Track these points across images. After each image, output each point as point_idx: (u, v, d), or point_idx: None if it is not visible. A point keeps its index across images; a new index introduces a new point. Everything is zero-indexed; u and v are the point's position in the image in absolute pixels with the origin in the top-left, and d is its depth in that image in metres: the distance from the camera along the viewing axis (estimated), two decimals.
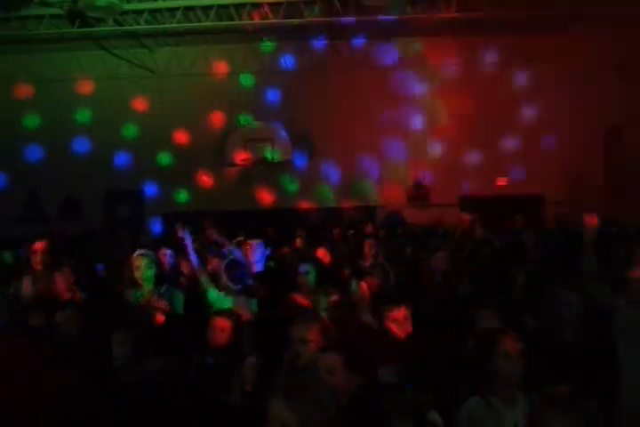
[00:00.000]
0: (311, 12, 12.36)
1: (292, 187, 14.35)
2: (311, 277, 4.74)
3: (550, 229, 9.95)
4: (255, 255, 5.57)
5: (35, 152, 15.11)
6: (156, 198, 14.84)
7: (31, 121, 15.26)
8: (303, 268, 4.76)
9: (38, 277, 4.61)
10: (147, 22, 12.86)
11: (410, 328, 3.51)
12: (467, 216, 8.77)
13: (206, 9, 12.75)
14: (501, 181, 13.82)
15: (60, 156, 14.84)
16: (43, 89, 15.23)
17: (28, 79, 15.28)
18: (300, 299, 4.54)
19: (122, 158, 14.81)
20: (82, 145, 15.08)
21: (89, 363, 3.24)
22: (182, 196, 14.68)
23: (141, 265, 4.51)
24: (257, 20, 12.74)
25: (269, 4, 12.25)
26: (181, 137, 14.80)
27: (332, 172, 14.29)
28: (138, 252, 4.64)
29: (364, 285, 4.55)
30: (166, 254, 5.05)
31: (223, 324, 3.62)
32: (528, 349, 2.75)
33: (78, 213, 14.68)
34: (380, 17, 12.46)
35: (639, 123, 10.28)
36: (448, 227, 10.22)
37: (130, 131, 14.98)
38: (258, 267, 5.52)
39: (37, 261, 4.72)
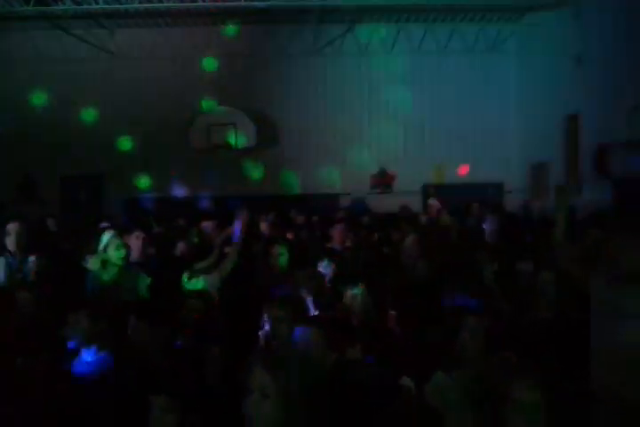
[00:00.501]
0: None
1: (256, 173, 14.25)
2: (283, 259, 4.77)
3: (511, 215, 10.16)
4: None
5: None
6: (116, 183, 14.53)
7: None
8: (276, 249, 4.77)
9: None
10: (106, 2, 12.54)
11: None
12: (434, 203, 8.94)
13: None
14: (463, 169, 14.02)
15: (17, 138, 14.37)
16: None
17: None
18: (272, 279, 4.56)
19: (80, 142, 14.40)
20: (38, 127, 14.62)
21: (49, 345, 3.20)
22: (143, 181, 14.41)
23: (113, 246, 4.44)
24: (220, 2, 12.56)
25: None
26: (143, 121, 14.49)
27: (296, 158, 14.24)
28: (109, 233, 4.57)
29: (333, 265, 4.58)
30: (139, 237, 4.97)
31: (196, 305, 3.59)
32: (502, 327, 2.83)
33: (35, 198, 14.30)
34: (344, 2, 12.48)
35: (594, 111, 10.53)
36: (412, 213, 10.32)
37: (88, 114, 14.58)
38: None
39: (12, 243, 4.65)
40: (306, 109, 14.26)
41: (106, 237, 4.58)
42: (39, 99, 14.68)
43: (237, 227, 4.77)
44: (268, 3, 12.37)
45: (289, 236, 6.28)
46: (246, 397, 2.00)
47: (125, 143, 14.35)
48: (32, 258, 4.64)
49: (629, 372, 2.67)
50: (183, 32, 14.86)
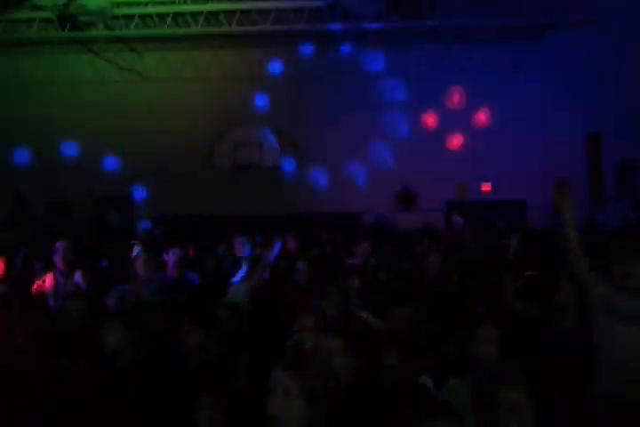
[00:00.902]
0: (299, 19, 12.61)
1: (280, 192, 14.48)
2: (306, 275, 4.96)
3: (535, 232, 10.16)
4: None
5: (23, 155, 15.10)
6: (145, 202, 14.88)
7: (20, 124, 15.21)
8: (301, 266, 4.96)
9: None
10: (137, 27, 13.01)
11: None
12: (458, 219, 8.99)
13: (195, 15, 12.97)
14: (486, 187, 14.10)
15: (49, 159, 14.85)
16: (31, 92, 15.26)
17: (17, 82, 15.31)
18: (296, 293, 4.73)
19: (110, 162, 14.83)
20: (70, 148, 15.10)
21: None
22: (171, 200, 14.71)
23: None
24: (246, 27, 12.91)
25: (258, 11, 12.47)
26: (170, 141, 14.88)
27: (320, 178, 14.46)
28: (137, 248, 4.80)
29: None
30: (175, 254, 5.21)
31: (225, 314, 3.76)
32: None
33: (68, 217, 14.70)
34: (367, 25, 12.75)
35: (616, 128, 10.60)
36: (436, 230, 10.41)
37: (118, 135, 15.00)
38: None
39: (60, 260, 4.94)
40: (329, 129, 14.48)
41: (135, 250, 4.82)
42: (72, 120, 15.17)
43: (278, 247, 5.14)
44: (292, 27, 12.71)
45: (314, 252, 6.46)
46: (270, 397, 2.08)
47: (153, 163, 14.68)
48: (78, 273, 4.96)
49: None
50: (209, 55, 15.29)
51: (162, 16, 13.00)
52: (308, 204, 14.25)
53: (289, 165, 14.55)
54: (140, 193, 15.05)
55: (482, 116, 14.31)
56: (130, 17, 12.87)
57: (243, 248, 6.13)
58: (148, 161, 14.65)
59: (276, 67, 15.08)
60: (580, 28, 12.02)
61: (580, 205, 11.41)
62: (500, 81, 14.19)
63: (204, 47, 15.18)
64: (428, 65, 14.52)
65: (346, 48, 14.65)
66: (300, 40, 14.49)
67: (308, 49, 14.81)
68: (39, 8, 12.43)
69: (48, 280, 4.79)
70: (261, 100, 14.97)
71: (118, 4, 12.44)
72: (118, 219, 14.86)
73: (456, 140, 14.33)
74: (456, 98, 14.49)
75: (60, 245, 4.94)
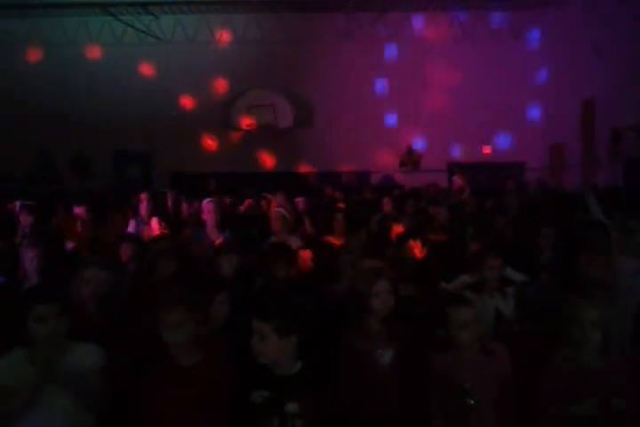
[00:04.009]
0: None
1: (292, 152, 15.35)
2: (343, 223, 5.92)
3: (533, 192, 11.05)
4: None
5: (44, 114, 15.78)
6: (163, 159, 15.72)
7: (41, 83, 15.84)
8: (339, 216, 5.92)
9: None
10: None
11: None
12: (459, 180, 9.89)
13: None
14: (487, 149, 15.01)
15: (70, 116, 15.55)
16: (53, 52, 15.88)
17: (38, 42, 15.90)
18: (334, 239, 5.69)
19: (129, 119, 15.53)
20: (90, 105, 15.75)
21: None
22: (188, 157, 15.53)
23: (212, 209, 5.60)
24: None
25: None
26: (187, 101, 15.63)
27: (330, 138, 15.27)
28: (207, 198, 5.74)
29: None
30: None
31: None
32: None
33: (89, 172, 15.56)
34: None
35: (610, 96, 11.42)
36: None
37: (135, 94, 15.68)
38: None
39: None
40: (339, 92, 15.24)
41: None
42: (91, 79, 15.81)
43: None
44: None
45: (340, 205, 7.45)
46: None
47: (171, 121, 15.46)
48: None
49: None
50: (223, 18, 15.86)
51: None
52: (319, 163, 15.16)
53: (300, 125, 15.33)
54: (157, 150, 15.83)
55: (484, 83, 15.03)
56: None
57: None
58: (164, 120, 15.42)
59: (287, 32, 15.66)
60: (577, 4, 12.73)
61: (575, 167, 12.45)
62: (502, 49, 14.91)
63: (218, 11, 15.74)
64: (432, 32, 15.23)
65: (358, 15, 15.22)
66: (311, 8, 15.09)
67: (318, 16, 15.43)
68: None
69: (131, 226, 5.70)
70: (274, 63, 15.59)
71: None
72: (137, 174, 15.76)
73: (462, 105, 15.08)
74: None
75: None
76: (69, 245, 5.24)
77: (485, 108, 14.68)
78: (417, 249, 4.43)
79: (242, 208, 7.92)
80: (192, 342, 2.66)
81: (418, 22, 15.34)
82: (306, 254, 4.60)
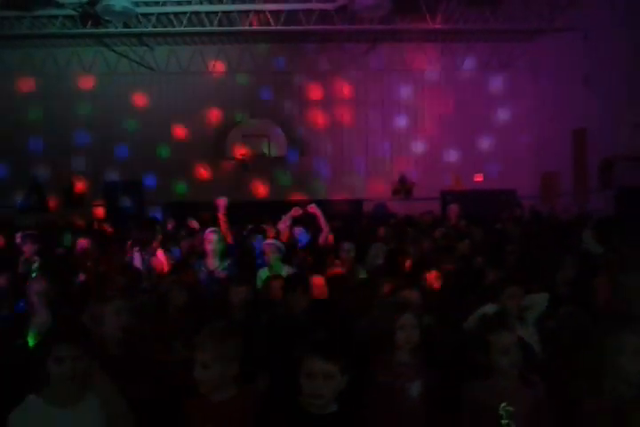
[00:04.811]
0: (309, 19, 13.43)
1: (286, 180, 15.42)
2: (352, 254, 5.91)
3: (526, 220, 11.13)
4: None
5: (37, 144, 15.74)
6: (155, 190, 15.69)
7: (33, 114, 15.86)
8: (347, 245, 5.91)
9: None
10: (155, 24, 13.72)
11: None
12: (455, 208, 9.89)
13: (210, 13, 13.70)
14: (479, 177, 15.19)
15: (62, 147, 15.54)
16: (45, 83, 15.93)
17: (31, 73, 15.97)
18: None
19: (122, 151, 15.56)
20: (82, 137, 15.79)
21: None
22: (180, 187, 15.56)
23: (214, 239, 5.57)
24: (258, 27, 13.69)
25: (272, 11, 13.25)
26: (180, 131, 15.70)
27: (323, 167, 15.39)
28: (210, 228, 5.71)
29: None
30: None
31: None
32: None
33: (80, 203, 15.47)
34: (372, 26, 13.61)
35: (601, 126, 11.65)
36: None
37: (130, 125, 15.75)
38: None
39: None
40: (331, 122, 15.43)
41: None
42: (84, 110, 15.88)
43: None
44: (297, 27, 13.52)
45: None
46: None
47: (164, 152, 15.51)
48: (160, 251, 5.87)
49: None
50: (217, 49, 16.06)
51: (178, 14, 13.76)
52: (311, 191, 15.22)
53: (293, 155, 15.43)
54: (149, 180, 15.81)
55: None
56: (148, 15, 13.59)
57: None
58: (157, 150, 15.47)
59: (280, 62, 15.89)
60: (566, 32, 13.06)
61: (566, 195, 12.63)
62: (493, 79, 15.23)
63: (212, 42, 15.95)
64: (423, 62, 15.55)
65: (349, 46, 15.49)
66: (304, 39, 15.34)
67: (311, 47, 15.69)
68: (61, 5, 13.07)
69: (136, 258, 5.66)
70: (267, 94, 15.78)
71: (138, 4, 13.13)
72: (129, 204, 15.69)
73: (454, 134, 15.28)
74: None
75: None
76: (80, 277, 5.17)
77: (476, 136, 14.91)
78: (433, 279, 4.44)
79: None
80: (224, 379, 2.61)
81: (409, 53, 15.59)
82: (319, 281, 4.57)
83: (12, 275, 4.93)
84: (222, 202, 5.96)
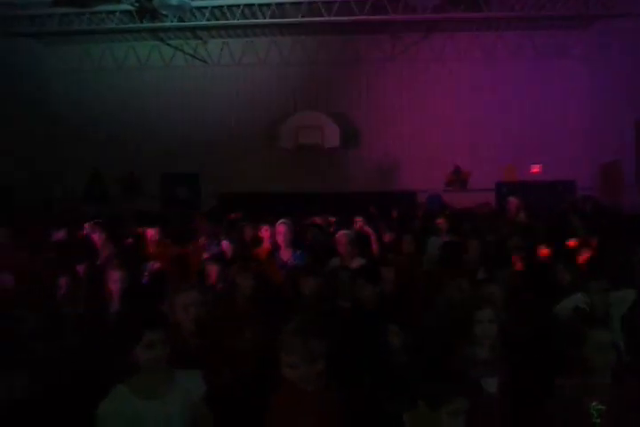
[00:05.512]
0: (362, 9, 13.37)
1: (339, 172, 15.42)
2: (412, 247, 5.95)
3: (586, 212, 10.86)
4: None
5: (97, 136, 16.14)
6: (210, 180, 15.94)
7: (92, 107, 16.27)
8: (407, 237, 5.97)
9: None
10: (209, 18, 13.90)
11: None
12: (514, 200, 9.71)
13: (262, 6, 13.79)
14: (535, 168, 14.86)
15: (120, 139, 15.93)
16: (103, 78, 16.36)
17: (89, 69, 16.42)
18: None
19: (178, 142, 15.81)
20: (139, 129, 16.08)
21: None
22: (235, 178, 15.69)
23: (285, 231, 5.67)
24: (310, 18, 13.69)
25: (324, 2, 13.24)
26: (234, 123, 15.85)
27: (376, 158, 15.32)
28: (281, 220, 5.81)
29: None
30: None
31: None
32: None
33: (139, 193, 15.88)
34: (426, 15, 13.44)
35: None
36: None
37: (185, 117, 16.00)
38: None
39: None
40: (386, 112, 15.33)
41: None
42: (140, 103, 16.23)
43: None
44: (350, 17, 13.48)
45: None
46: None
47: (219, 143, 15.69)
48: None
49: None
50: (268, 41, 16.16)
51: (231, 7, 13.90)
52: (365, 182, 15.20)
53: (347, 146, 15.42)
54: (205, 171, 16.06)
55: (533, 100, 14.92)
56: (202, 8, 13.78)
57: None
58: (212, 141, 15.69)
59: (332, 53, 15.85)
60: (626, 18, 12.63)
61: (630, 187, 12.24)
62: (549, 67, 14.85)
63: (264, 34, 16.06)
64: (482, 51, 15.30)
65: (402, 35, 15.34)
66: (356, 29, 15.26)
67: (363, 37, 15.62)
68: (119, 1, 13.37)
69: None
70: (319, 84, 15.75)
71: None
72: (186, 195, 16.03)
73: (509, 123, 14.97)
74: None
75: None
76: (154, 265, 5.31)
77: (534, 125, 14.59)
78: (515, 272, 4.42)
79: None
80: (311, 376, 2.65)
81: (462, 42, 15.35)
82: (389, 273, 4.58)
83: (90, 264, 5.13)
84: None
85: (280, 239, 5.68)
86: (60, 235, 7.08)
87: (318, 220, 8.65)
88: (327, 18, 13.59)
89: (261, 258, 5.69)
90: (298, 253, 5.67)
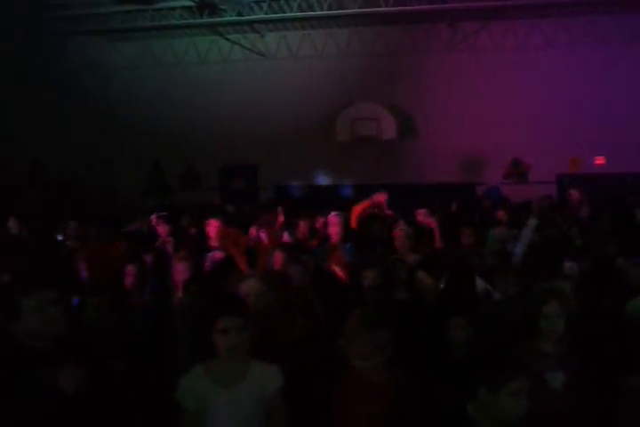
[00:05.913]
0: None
1: (396, 164, 15.33)
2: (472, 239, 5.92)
3: None
4: None
5: (157, 129, 16.53)
6: (267, 172, 16.15)
7: (153, 102, 16.67)
8: (467, 230, 5.95)
9: None
10: (267, 11, 14.05)
11: None
12: (575, 193, 9.42)
13: None
14: (599, 160, 14.38)
15: (180, 133, 16.27)
16: (164, 73, 16.76)
17: (150, 64, 16.85)
18: None
19: (239, 135, 16.02)
20: (199, 123, 16.38)
21: None
22: (291, 170, 15.81)
23: (337, 222, 5.73)
24: (367, 9, 13.66)
25: None
26: (291, 115, 15.94)
27: (433, 150, 15.15)
28: (334, 212, 5.88)
29: None
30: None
31: None
32: None
33: (198, 186, 16.24)
34: (484, 3, 13.21)
35: None
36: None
37: (244, 110, 16.17)
38: None
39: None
40: (443, 104, 15.12)
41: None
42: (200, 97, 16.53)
43: None
44: (407, 7, 13.37)
45: None
46: None
47: (276, 135, 15.83)
48: None
49: None
50: (325, 33, 16.17)
51: (288, 0, 14.03)
52: (422, 175, 15.07)
53: (403, 138, 15.32)
54: (262, 163, 16.27)
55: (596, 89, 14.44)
56: (259, 2, 13.94)
57: None
58: (270, 133, 15.83)
59: (389, 44, 15.72)
60: None
61: None
62: (613, 55, 14.31)
63: (321, 26, 16.08)
64: (543, 39, 14.90)
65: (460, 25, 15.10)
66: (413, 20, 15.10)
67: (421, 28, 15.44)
68: None
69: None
70: (376, 76, 15.66)
71: None
72: (243, 187, 16.31)
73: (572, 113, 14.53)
74: None
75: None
76: (216, 255, 5.44)
77: (598, 116, 14.10)
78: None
79: None
80: (379, 366, 2.68)
81: (522, 30, 14.97)
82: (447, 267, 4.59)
83: (157, 255, 5.32)
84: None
85: (332, 231, 5.73)
86: (134, 226, 7.37)
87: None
88: (384, 8, 13.55)
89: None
90: (347, 246, 5.71)
